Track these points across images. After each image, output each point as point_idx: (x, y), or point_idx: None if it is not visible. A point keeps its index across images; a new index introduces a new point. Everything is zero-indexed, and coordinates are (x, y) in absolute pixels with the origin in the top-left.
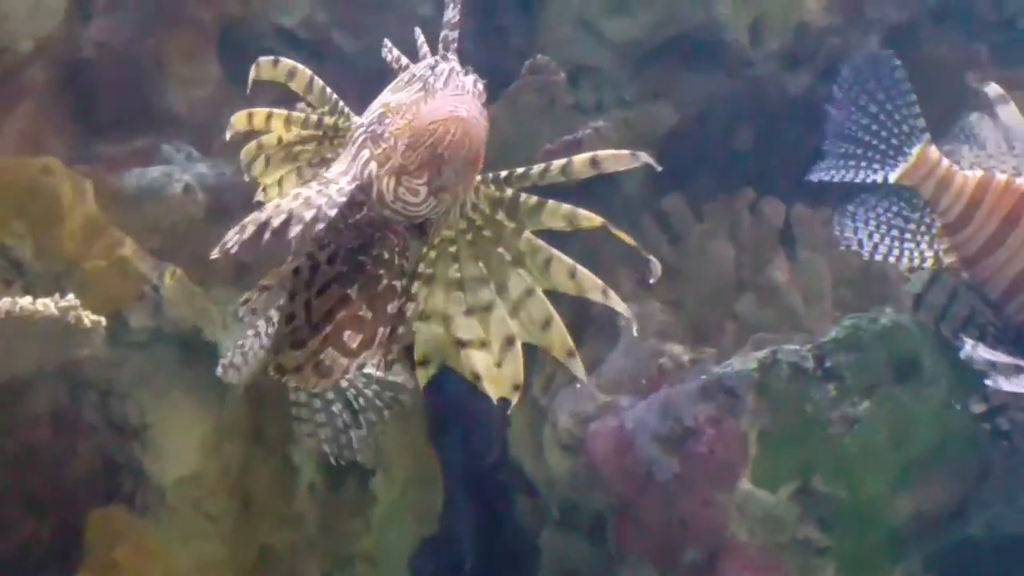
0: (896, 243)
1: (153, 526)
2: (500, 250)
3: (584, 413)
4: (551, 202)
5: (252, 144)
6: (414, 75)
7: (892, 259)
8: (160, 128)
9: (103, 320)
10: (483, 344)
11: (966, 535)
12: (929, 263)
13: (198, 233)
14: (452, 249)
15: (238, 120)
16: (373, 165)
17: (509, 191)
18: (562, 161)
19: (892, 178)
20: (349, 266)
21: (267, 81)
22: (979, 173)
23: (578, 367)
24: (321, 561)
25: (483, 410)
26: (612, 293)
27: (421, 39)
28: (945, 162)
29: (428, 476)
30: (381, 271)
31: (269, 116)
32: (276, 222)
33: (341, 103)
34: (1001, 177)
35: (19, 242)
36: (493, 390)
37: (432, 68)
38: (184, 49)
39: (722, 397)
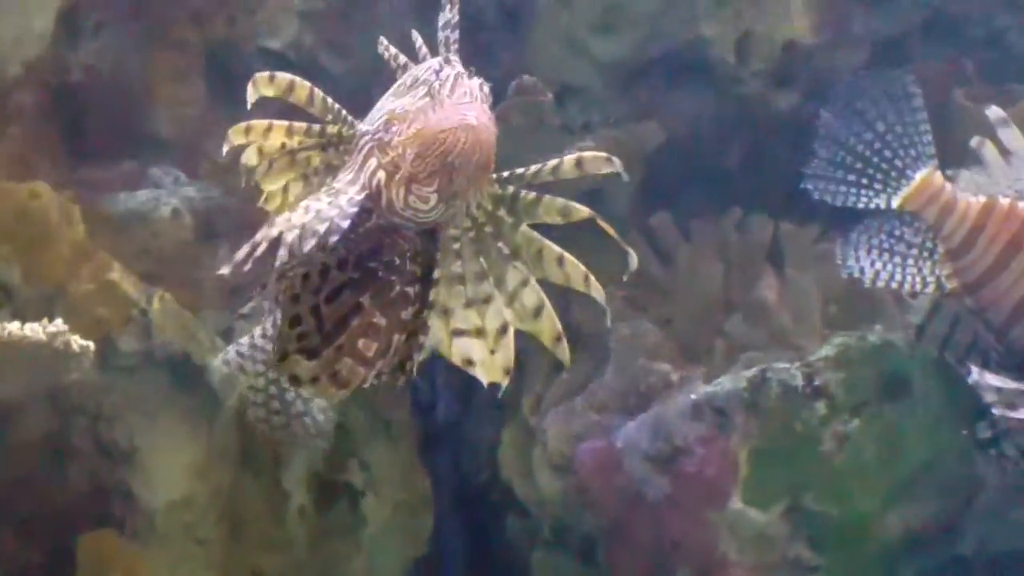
0: (898, 269)
1: (143, 550)
2: (500, 244)
3: (574, 433)
4: (547, 196)
5: (252, 149)
6: (417, 79)
7: (894, 285)
8: (148, 151)
9: (91, 345)
10: (479, 333)
11: (957, 553)
12: (931, 289)
13: (187, 257)
14: (456, 246)
15: (236, 133)
16: (381, 174)
17: (511, 188)
18: (553, 162)
19: (895, 203)
20: (360, 272)
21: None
22: (982, 198)
23: (564, 352)
24: None
25: (473, 430)
26: (593, 280)
27: (419, 40)
28: (949, 187)
29: (418, 497)
30: (393, 277)
31: (268, 128)
32: (289, 237)
33: (344, 112)
34: (1004, 202)
35: (7, 267)
36: (485, 375)
37: (437, 73)
38: (171, 72)
39: (712, 416)
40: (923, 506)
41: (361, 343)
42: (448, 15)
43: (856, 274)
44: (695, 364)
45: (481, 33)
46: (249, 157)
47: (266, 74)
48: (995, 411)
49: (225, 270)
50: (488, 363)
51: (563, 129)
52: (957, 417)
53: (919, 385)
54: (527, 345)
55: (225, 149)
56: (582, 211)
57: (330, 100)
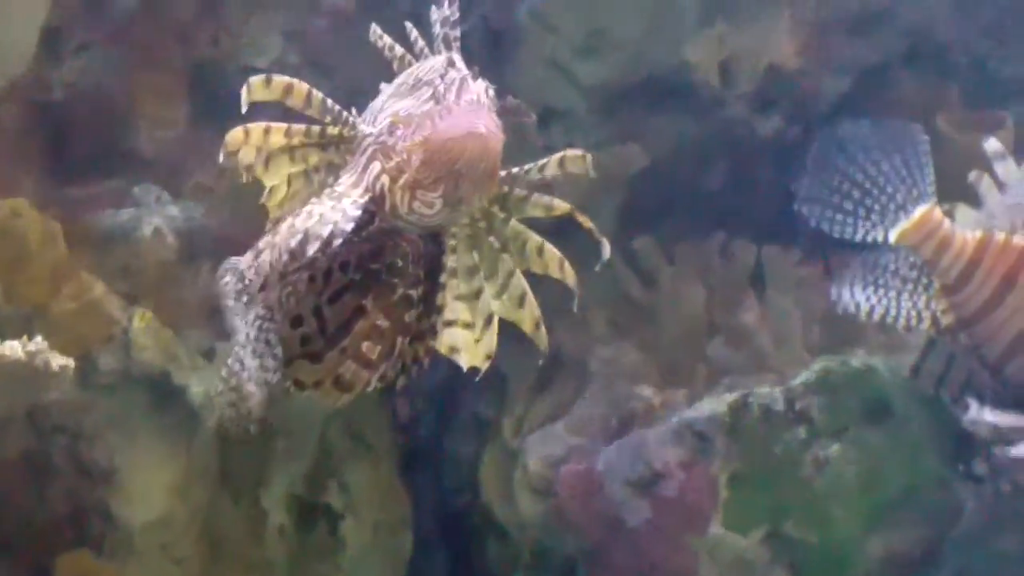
0: (893, 303)
1: (121, 570)
2: (491, 239)
3: (554, 456)
4: (535, 194)
5: (250, 147)
6: (420, 79)
7: (889, 320)
8: (130, 170)
9: (71, 363)
10: (467, 324)
11: None
12: (926, 324)
13: (168, 276)
14: (452, 243)
15: (233, 138)
16: (385, 179)
17: (506, 187)
18: (542, 162)
19: (892, 237)
20: (361, 274)
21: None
22: (978, 233)
23: (542, 339)
24: None
25: (454, 452)
26: (567, 266)
27: (415, 34)
28: (947, 223)
29: (399, 519)
30: (396, 280)
31: (266, 131)
32: (293, 243)
33: (345, 113)
34: (999, 236)
35: None
36: (467, 360)
37: (442, 75)
38: (154, 91)
39: (693, 440)
40: (903, 532)
41: (365, 346)
42: (447, 11)
43: (851, 308)
44: (677, 388)
45: (466, 54)
46: (247, 154)
47: (261, 77)
48: (995, 451)
49: (228, 277)
50: (472, 350)
51: (546, 151)
52: (938, 442)
53: (900, 410)
54: (509, 370)
55: (222, 156)
56: (564, 206)
57: (330, 101)
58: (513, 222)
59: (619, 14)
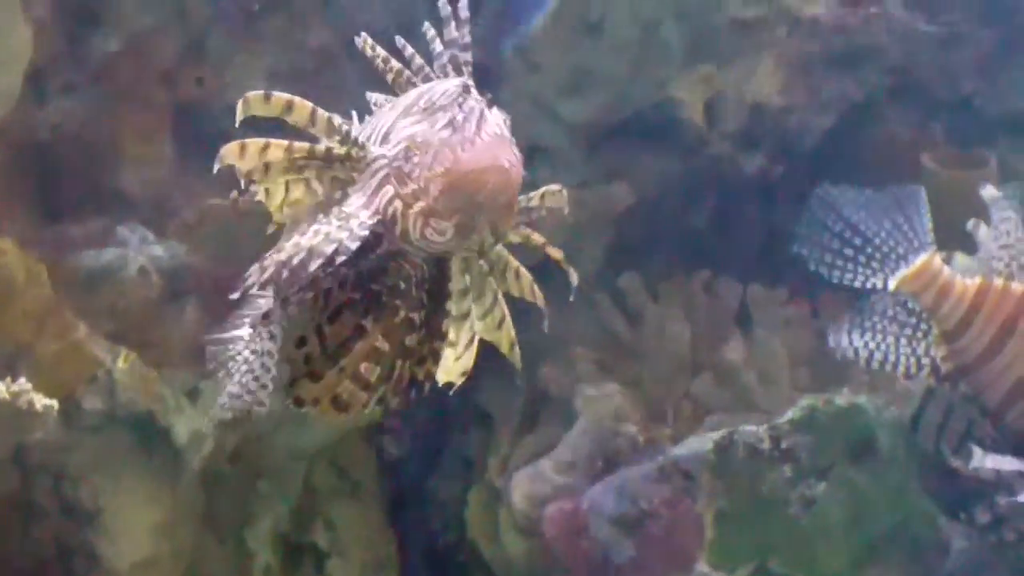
0: (891, 350)
1: None
2: (481, 262)
3: (540, 495)
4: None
5: (249, 160)
6: (433, 103)
7: (888, 367)
8: (115, 210)
9: (55, 404)
10: (451, 344)
11: None
12: (925, 372)
13: (153, 316)
14: (453, 267)
15: (229, 152)
16: (398, 204)
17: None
18: (529, 195)
19: (892, 284)
20: (361, 292)
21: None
22: (978, 280)
23: (517, 358)
24: None
25: (441, 491)
26: (536, 289)
27: (410, 49)
28: (947, 270)
29: (385, 558)
30: (397, 302)
31: (265, 147)
32: (296, 260)
33: (352, 133)
34: (998, 283)
35: None
36: (443, 376)
37: (459, 103)
38: (139, 131)
39: (678, 478)
40: (890, 570)
41: (363, 367)
42: (455, 33)
43: (849, 355)
44: (662, 426)
45: None
46: (245, 164)
47: (260, 93)
48: (999, 499)
49: (236, 295)
50: (450, 367)
51: (532, 187)
52: (924, 481)
53: (886, 448)
54: (494, 409)
55: (216, 168)
56: (540, 238)
57: (336, 119)
58: (499, 246)
59: (604, 53)
